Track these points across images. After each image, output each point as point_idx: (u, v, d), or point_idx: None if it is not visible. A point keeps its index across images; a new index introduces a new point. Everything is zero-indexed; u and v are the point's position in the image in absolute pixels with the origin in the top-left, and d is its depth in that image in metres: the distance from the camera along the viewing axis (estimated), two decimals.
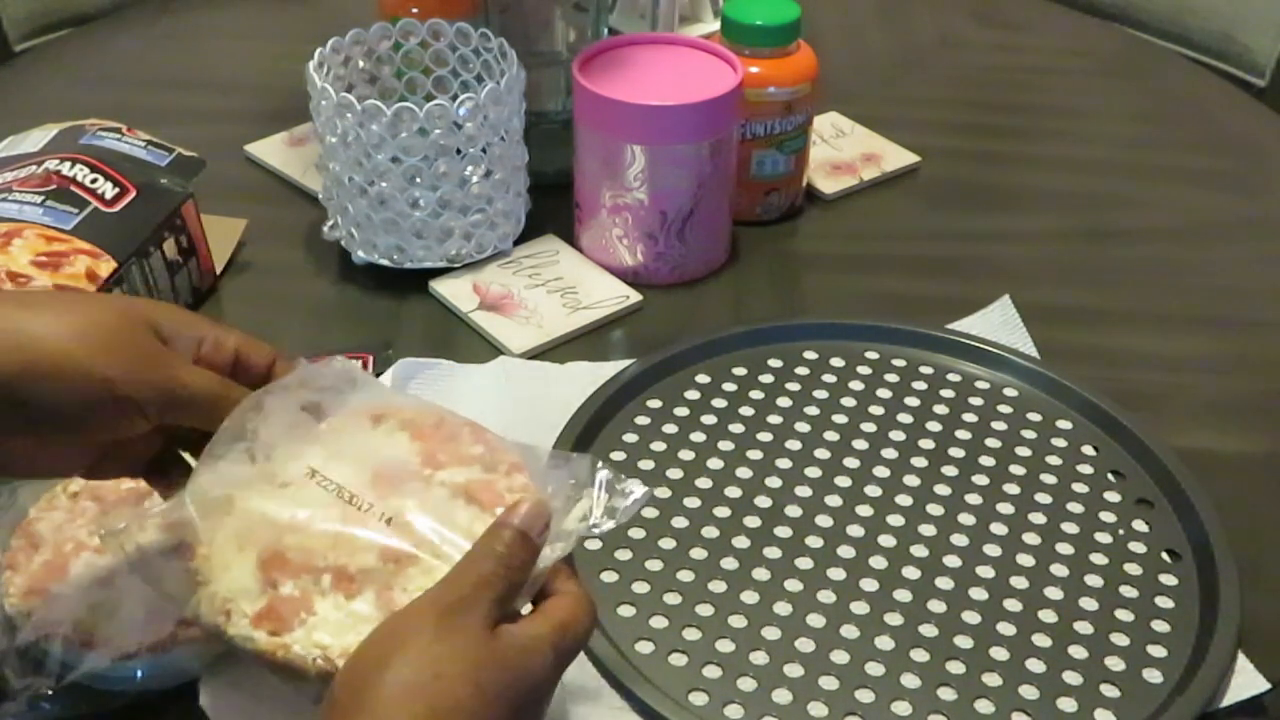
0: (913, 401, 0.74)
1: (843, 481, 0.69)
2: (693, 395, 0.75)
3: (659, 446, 0.71)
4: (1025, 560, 0.65)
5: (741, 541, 0.65)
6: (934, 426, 0.73)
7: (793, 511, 0.67)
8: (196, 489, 0.51)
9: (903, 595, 0.62)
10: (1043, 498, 0.68)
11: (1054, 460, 0.71)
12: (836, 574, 0.64)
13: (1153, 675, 0.59)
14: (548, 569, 0.49)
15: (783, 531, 0.66)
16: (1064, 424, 0.73)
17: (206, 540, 0.50)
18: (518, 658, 0.45)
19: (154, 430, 0.51)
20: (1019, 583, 0.63)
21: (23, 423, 0.48)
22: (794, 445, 0.71)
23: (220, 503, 0.50)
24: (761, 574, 0.64)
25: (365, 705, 0.43)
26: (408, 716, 0.42)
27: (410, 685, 0.43)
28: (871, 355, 0.78)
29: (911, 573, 0.64)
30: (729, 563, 0.64)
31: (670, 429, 0.72)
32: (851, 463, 0.70)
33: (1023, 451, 0.71)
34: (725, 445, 0.71)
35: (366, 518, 0.50)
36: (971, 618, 0.61)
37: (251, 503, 0.51)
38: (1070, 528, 0.66)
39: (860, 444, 0.71)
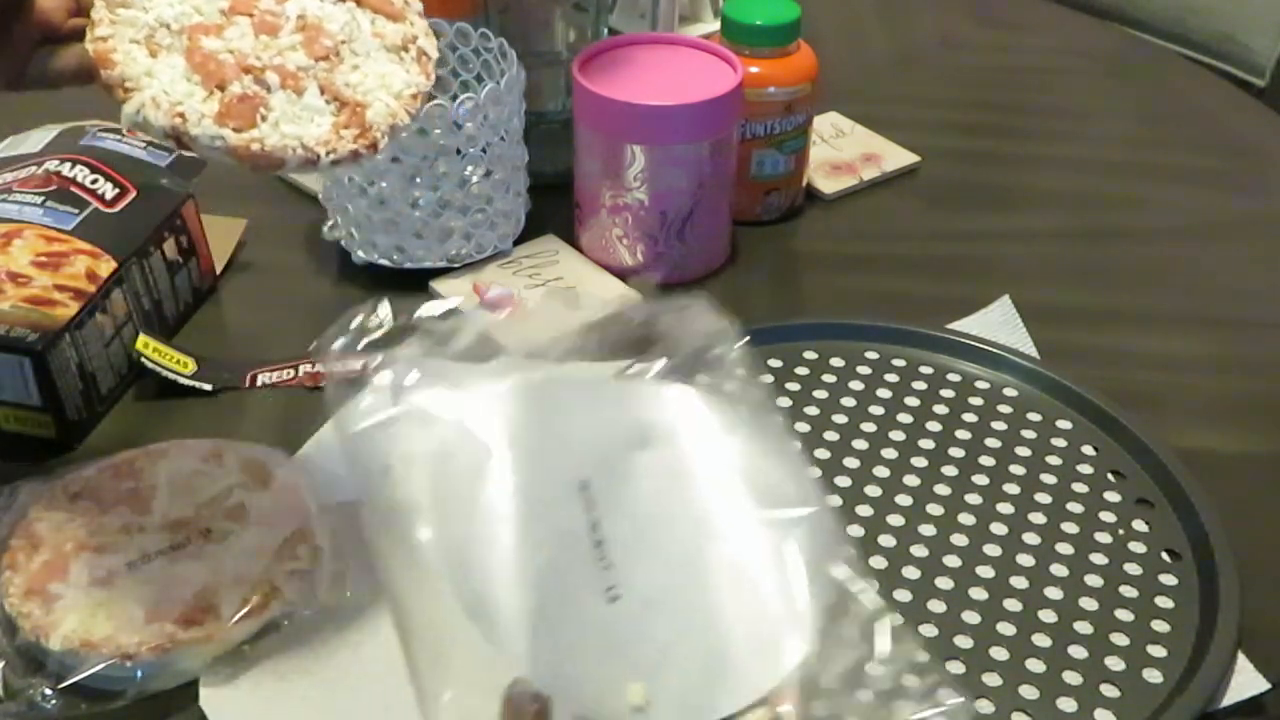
0: (913, 401, 0.74)
1: (843, 481, 0.69)
2: None
3: None
4: (1025, 560, 0.65)
5: None
6: (934, 426, 0.73)
7: None
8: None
9: (902, 595, 0.62)
10: (1043, 498, 0.68)
11: (1054, 460, 0.71)
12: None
13: (1153, 675, 0.59)
14: None
15: None
16: (1064, 424, 0.73)
17: (122, 51, 0.51)
18: None
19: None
20: (1019, 583, 0.63)
21: None
22: (794, 446, 0.71)
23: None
24: None
25: None
26: None
27: None
28: (871, 355, 0.78)
29: (911, 572, 0.64)
30: None
31: None
32: (851, 463, 0.70)
33: (1023, 451, 0.71)
34: None
35: (277, 21, 0.53)
36: (971, 617, 0.61)
37: (138, 7, 0.52)
38: (1070, 528, 0.66)
39: (860, 444, 0.71)
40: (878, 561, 0.64)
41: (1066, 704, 0.58)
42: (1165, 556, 0.65)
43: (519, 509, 0.42)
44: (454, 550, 0.42)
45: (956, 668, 0.59)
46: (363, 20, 0.56)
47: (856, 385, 0.76)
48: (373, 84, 0.54)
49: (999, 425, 0.73)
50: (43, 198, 0.74)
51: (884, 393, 0.75)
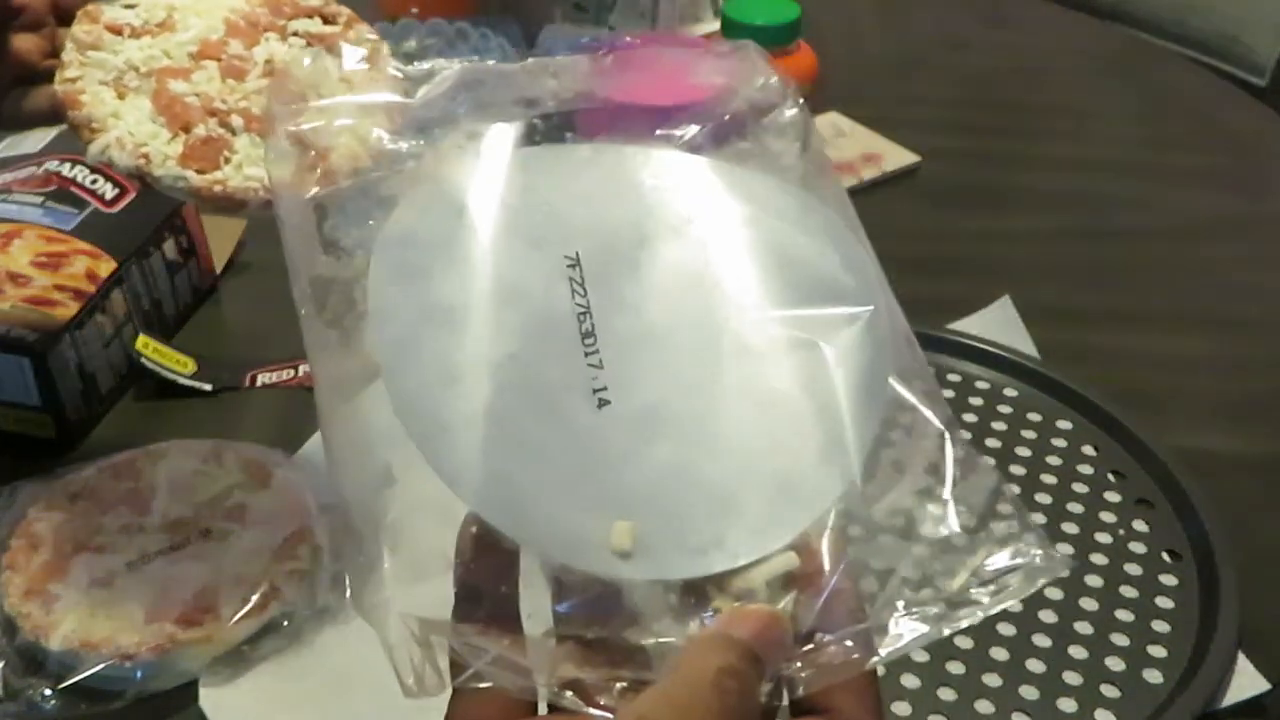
0: None
1: None
2: None
3: None
4: None
5: None
6: None
7: None
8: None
9: None
10: (1043, 498, 0.68)
11: (1054, 460, 0.70)
12: None
13: (1153, 675, 0.59)
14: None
15: None
16: (1064, 424, 0.73)
17: (90, 92, 0.52)
18: None
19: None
20: None
21: None
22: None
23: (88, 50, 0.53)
24: None
25: None
26: None
27: None
28: None
29: None
30: None
31: None
32: None
33: (1023, 451, 0.71)
34: None
35: (245, 66, 0.54)
36: None
37: (109, 50, 0.54)
38: (1070, 528, 0.66)
39: None
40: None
41: (1066, 704, 0.58)
42: (1165, 556, 0.65)
43: (484, 285, 0.33)
44: (397, 336, 0.32)
45: (956, 668, 0.59)
46: (330, 66, 0.57)
47: None
48: (338, 127, 0.55)
49: (999, 425, 0.73)
50: (43, 198, 0.74)
51: None
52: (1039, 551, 0.31)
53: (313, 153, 0.37)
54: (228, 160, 0.53)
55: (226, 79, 0.55)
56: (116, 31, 0.55)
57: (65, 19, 0.57)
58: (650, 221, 0.34)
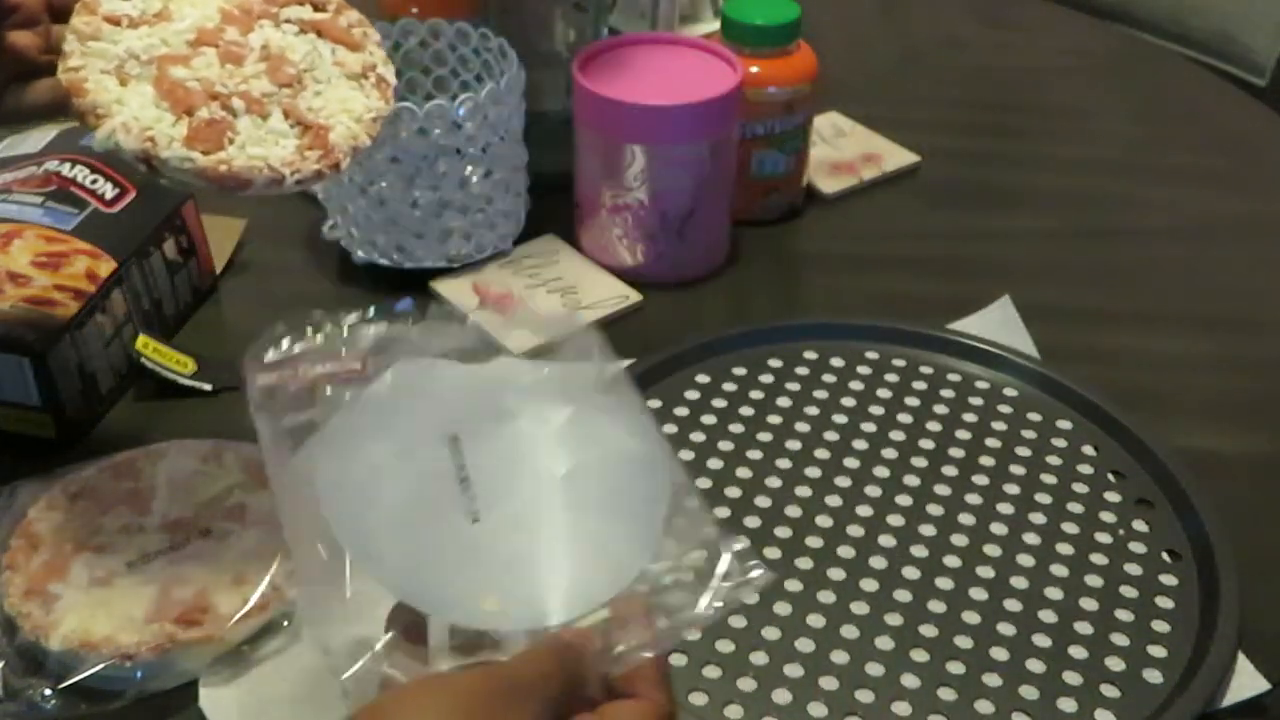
0: (913, 401, 0.74)
1: (843, 482, 0.69)
2: (693, 395, 0.75)
3: None
4: (1025, 560, 0.65)
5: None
6: (934, 426, 0.73)
7: (792, 512, 0.67)
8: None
9: (903, 595, 0.62)
10: (1043, 498, 0.68)
11: (1054, 460, 0.71)
12: (836, 574, 0.64)
13: (1153, 675, 0.59)
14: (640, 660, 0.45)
15: (782, 532, 0.66)
16: (1064, 424, 0.73)
17: (94, 80, 0.54)
18: None
19: None
20: (1019, 583, 0.63)
21: None
22: (794, 445, 0.71)
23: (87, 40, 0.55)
24: None
25: None
26: None
27: None
28: (871, 355, 0.78)
29: (911, 573, 0.64)
30: None
31: (670, 429, 0.72)
32: (851, 463, 0.70)
33: (1023, 451, 0.71)
34: (725, 445, 0.71)
35: (242, 52, 0.56)
36: (971, 618, 0.61)
37: (108, 40, 0.55)
38: (1070, 528, 0.66)
39: (860, 444, 0.71)
40: (877, 562, 0.64)
41: (1066, 704, 0.58)
42: (1165, 556, 0.65)
43: (398, 457, 0.48)
44: (341, 493, 0.47)
45: (956, 668, 0.59)
46: (324, 50, 0.59)
47: (856, 385, 0.76)
48: (334, 108, 0.57)
49: (999, 425, 0.73)
50: (43, 198, 0.74)
51: (884, 393, 0.75)
52: (768, 578, 0.47)
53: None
54: (231, 141, 0.54)
55: (225, 64, 0.56)
56: (115, 22, 0.56)
57: (60, 16, 0.57)
58: (507, 406, 0.50)
